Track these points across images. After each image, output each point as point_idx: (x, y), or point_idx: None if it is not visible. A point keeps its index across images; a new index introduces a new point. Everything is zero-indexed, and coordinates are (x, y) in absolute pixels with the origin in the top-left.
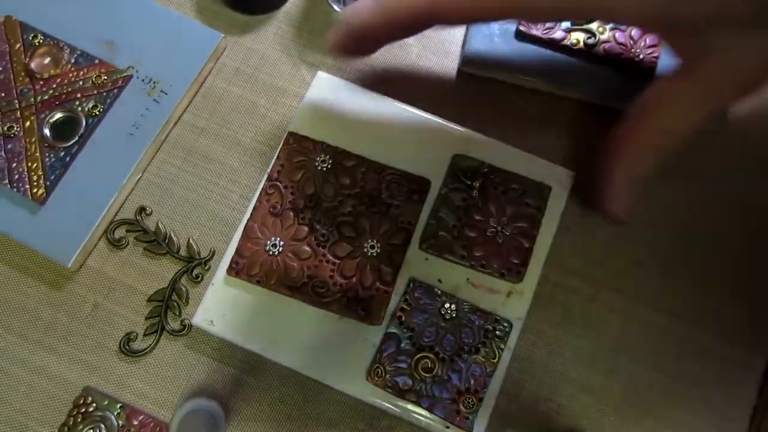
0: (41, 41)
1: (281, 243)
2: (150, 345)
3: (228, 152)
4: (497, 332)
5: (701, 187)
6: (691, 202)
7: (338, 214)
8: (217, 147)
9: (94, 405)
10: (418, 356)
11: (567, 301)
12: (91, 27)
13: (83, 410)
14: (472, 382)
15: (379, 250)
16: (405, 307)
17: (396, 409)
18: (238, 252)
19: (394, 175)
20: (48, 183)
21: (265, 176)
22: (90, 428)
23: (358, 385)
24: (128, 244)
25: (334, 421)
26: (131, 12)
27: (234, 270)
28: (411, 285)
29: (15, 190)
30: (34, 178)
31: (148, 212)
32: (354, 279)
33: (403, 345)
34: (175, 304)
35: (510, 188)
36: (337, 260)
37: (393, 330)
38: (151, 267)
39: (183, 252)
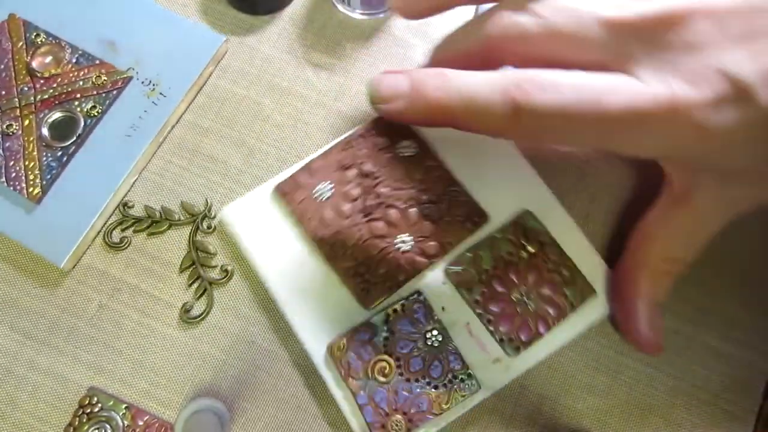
0: (43, 40)
1: (330, 192)
2: (205, 309)
3: (232, 152)
4: (463, 387)
5: None
6: None
7: (394, 198)
8: (222, 147)
9: (100, 405)
10: (381, 357)
11: None
12: (94, 27)
13: (88, 410)
14: (412, 410)
15: (407, 249)
16: (398, 309)
17: (333, 390)
18: (293, 178)
19: (461, 195)
20: (44, 182)
21: (349, 132)
22: (95, 428)
23: (317, 348)
24: (130, 243)
25: (339, 422)
26: (133, 13)
27: (281, 190)
28: (415, 295)
29: (11, 188)
30: (31, 177)
31: (130, 205)
32: (372, 259)
33: (374, 339)
34: (206, 257)
35: (558, 270)
36: (367, 235)
37: (375, 321)
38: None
39: (182, 216)
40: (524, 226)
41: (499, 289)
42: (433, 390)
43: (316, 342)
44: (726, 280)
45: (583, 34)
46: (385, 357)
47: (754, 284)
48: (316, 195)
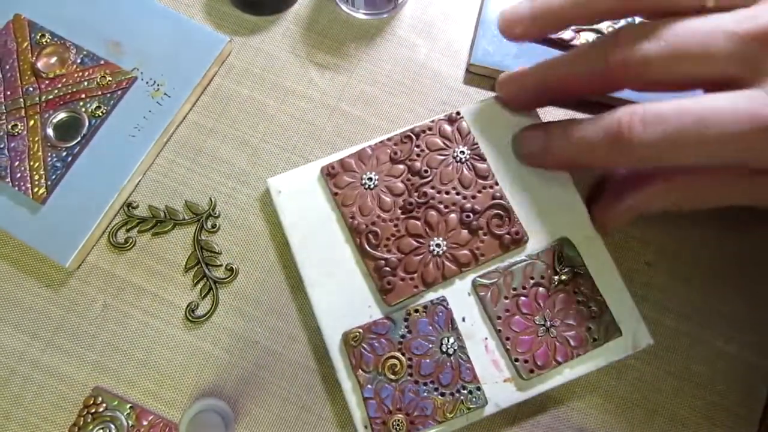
0: (48, 40)
1: (376, 182)
2: (210, 308)
3: (236, 152)
4: (470, 400)
5: None
6: None
7: (438, 200)
8: (226, 148)
9: (104, 405)
10: (394, 354)
11: None
12: (98, 27)
13: (93, 410)
14: (416, 413)
15: (440, 253)
16: (420, 310)
17: (342, 379)
18: (342, 161)
19: (505, 212)
20: (49, 183)
21: (408, 127)
22: (100, 428)
23: (333, 335)
24: (135, 243)
25: (344, 422)
26: (138, 13)
27: (327, 171)
28: (439, 299)
29: (16, 188)
30: (36, 177)
31: (134, 205)
32: (403, 258)
33: (391, 335)
34: (211, 256)
35: (586, 303)
36: (402, 232)
37: (395, 317)
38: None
39: (187, 216)
40: (561, 253)
41: (524, 310)
42: (439, 396)
43: (332, 329)
44: (730, 281)
45: (711, 51)
46: (398, 354)
47: (758, 285)
48: (361, 182)
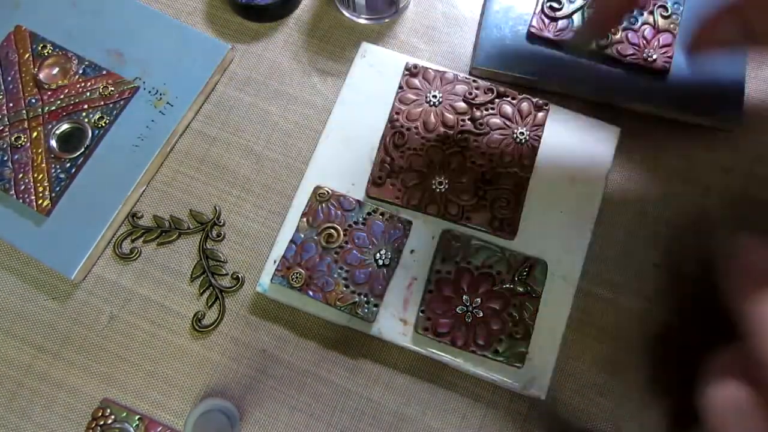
0: (50, 51)
1: (435, 103)
2: (217, 318)
3: (240, 160)
4: (363, 308)
5: (717, 189)
6: (706, 203)
7: (470, 153)
8: (230, 155)
9: (113, 417)
10: (337, 227)
11: (584, 304)
12: (100, 37)
13: (102, 423)
14: (316, 281)
15: (439, 190)
16: (385, 215)
17: (289, 218)
18: (426, 70)
19: (514, 203)
20: (53, 194)
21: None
22: None
23: (309, 183)
24: (140, 253)
25: (352, 430)
26: (140, 22)
27: (409, 68)
28: (406, 220)
29: (21, 200)
30: (40, 189)
31: (139, 215)
32: (408, 170)
33: (348, 214)
34: (217, 265)
35: (515, 321)
36: (422, 153)
37: (365, 203)
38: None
39: (192, 225)
40: (530, 268)
41: (462, 284)
42: (343, 287)
43: (313, 180)
44: None
45: None
46: (341, 231)
47: None
48: (427, 96)
